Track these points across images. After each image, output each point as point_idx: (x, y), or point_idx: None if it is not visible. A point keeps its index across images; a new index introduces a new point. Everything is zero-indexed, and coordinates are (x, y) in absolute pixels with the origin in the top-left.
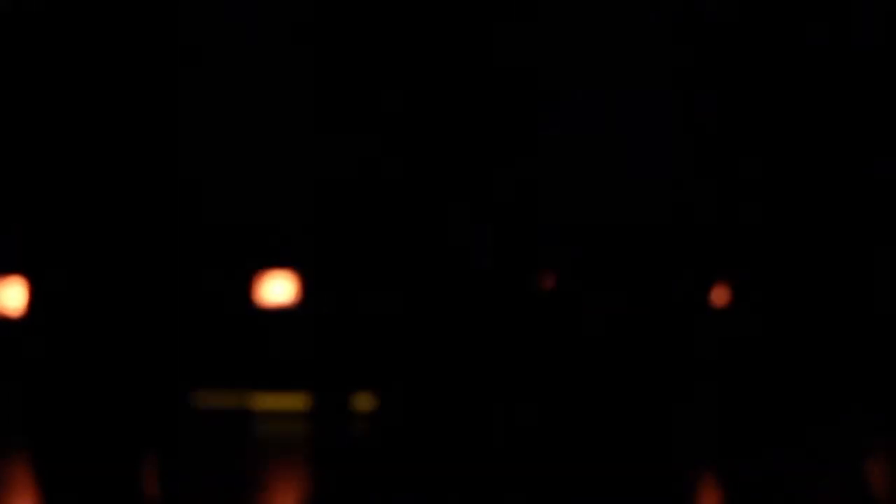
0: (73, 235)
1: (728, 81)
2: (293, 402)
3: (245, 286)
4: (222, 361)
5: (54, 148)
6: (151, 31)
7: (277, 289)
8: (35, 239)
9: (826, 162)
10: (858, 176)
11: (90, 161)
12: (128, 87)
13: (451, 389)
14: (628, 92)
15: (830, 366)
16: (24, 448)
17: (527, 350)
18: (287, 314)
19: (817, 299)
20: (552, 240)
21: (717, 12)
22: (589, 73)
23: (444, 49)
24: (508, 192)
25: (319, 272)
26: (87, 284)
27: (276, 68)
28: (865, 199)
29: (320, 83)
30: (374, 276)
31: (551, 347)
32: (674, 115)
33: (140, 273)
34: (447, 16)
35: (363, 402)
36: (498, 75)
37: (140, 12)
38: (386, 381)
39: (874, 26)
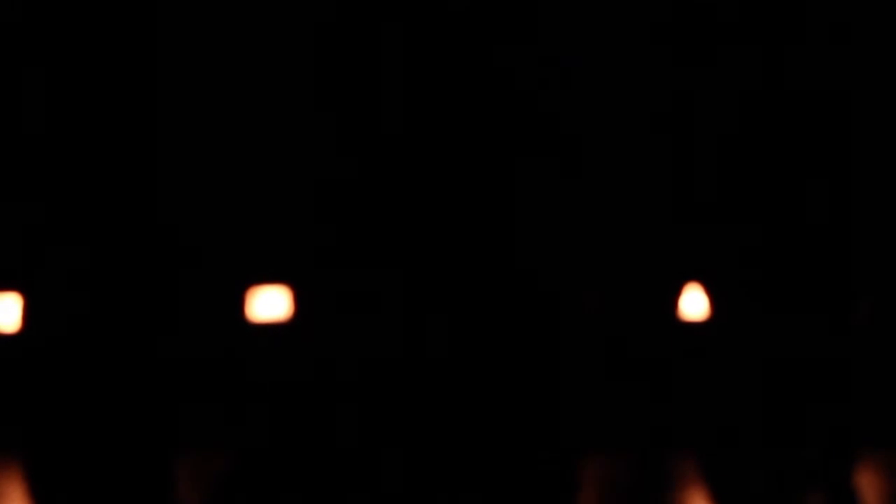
0: (69, 249)
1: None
2: None
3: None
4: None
5: (47, 159)
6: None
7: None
8: (30, 254)
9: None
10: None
11: (84, 172)
12: (121, 94)
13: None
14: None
15: (817, 376)
16: (22, 463)
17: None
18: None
19: (801, 308)
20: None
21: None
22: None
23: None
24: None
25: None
26: (83, 299)
27: (274, 79)
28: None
29: (319, 92)
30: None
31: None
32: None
33: (135, 288)
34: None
35: None
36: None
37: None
38: None
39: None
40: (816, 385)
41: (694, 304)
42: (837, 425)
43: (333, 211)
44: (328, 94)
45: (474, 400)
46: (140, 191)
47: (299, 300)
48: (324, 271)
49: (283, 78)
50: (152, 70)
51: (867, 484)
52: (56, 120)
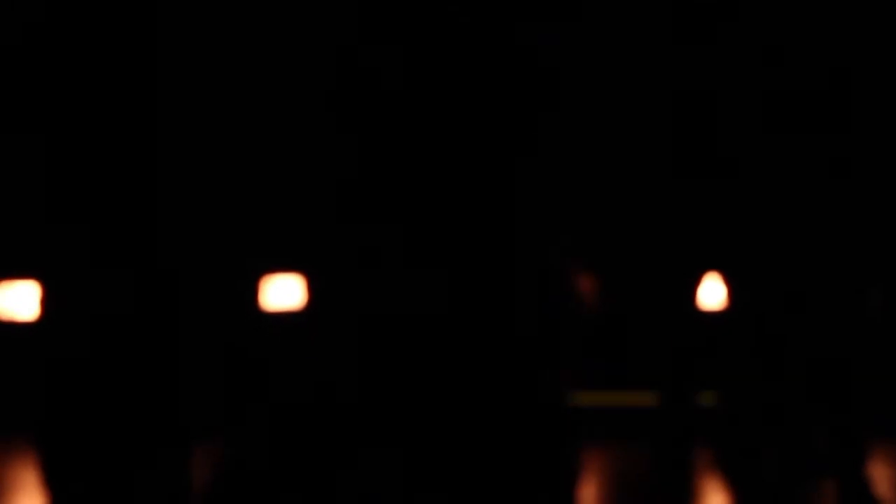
0: (86, 237)
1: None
2: None
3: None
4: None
5: (63, 150)
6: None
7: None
8: (48, 242)
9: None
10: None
11: (98, 162)
12: (129, 87)
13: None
14: (624, 95)
15: (831, 368)
16: (37, 452)
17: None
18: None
19: (814, 299)
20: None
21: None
22: (591, 76)
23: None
24: (517, 193)
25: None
26: (99, 288)
27: (287, 72)
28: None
29: (333, 82)
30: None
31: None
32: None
33: (153, 276)
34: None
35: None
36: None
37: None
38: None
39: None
40: (829, 375)
41: (710, 293)
42: (849, 415)
43: (338, 198)
44: (329, 78)
45: (475, 393)
46: (154, 178)
47: (312, 288)
48: (334, 258)
49: (287, 66)
50: (165, 61)
51: (879, 472)
52: (74, 105)
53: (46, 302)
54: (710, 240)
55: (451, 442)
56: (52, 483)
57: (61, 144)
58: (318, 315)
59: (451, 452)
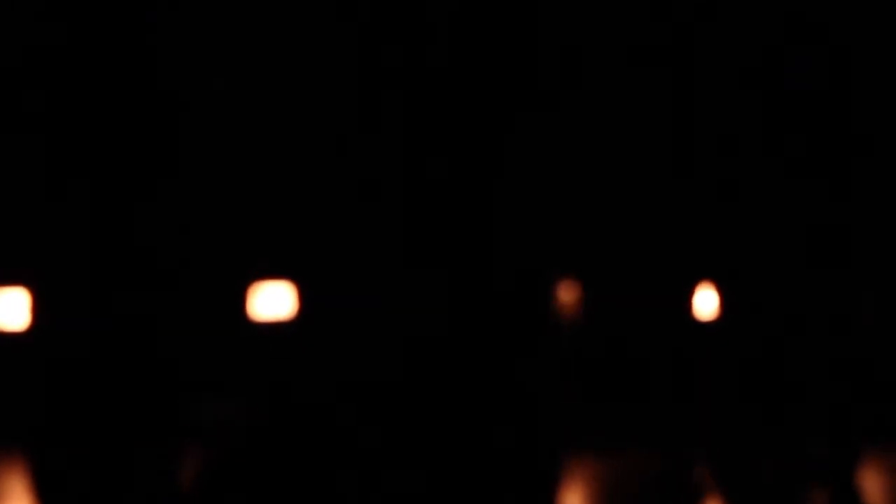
0: (76, 248)
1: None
2: None
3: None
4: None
5: (57, 158)
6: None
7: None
8: (38, 251)
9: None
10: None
11: (92, 172)
12: (127, 94)
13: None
14: (619, 96)
15: (822, 375)
16: (27, 459)
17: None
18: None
19: (808, 309)
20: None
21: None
22: (580, 78)
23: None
24: (504, 203)
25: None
26: (92, 298)
27: (276, 79)
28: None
29: (325, 94)
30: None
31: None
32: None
33: (139, 284)
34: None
35: None
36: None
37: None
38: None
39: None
40: (823, 383)
41: (704, 302)
42: (842, 423)
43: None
44: (322, 85)
45: (469, 406)
46: (145, 187)
47: (303, 296)
48: (324, 264)
49: (282, 74)
50: (164, 70)
51: (870, 481)
52: (68, 117)
53: (37, 310)
54: (705, 250)
55: (440, 445)
56: (43, 491)
57: (57, 154)
58: (309, 322)
59: (439, 456)
